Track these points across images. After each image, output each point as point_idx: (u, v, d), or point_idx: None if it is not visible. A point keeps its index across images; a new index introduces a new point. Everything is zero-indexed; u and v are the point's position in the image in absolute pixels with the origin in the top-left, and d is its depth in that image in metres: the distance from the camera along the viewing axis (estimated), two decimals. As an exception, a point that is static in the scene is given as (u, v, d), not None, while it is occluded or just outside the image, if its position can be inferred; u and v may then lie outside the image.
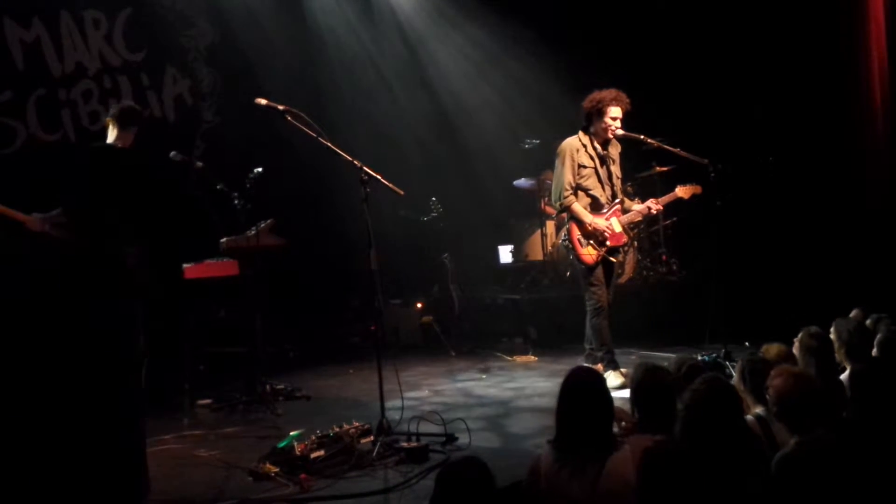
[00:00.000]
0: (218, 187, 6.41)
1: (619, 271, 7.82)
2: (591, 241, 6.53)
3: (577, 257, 6.58)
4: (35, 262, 5.14)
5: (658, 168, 8.96)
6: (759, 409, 3.87)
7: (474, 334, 8.84)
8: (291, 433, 4.94)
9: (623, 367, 6.49)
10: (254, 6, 9.10)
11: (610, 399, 3.44)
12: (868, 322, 5.13)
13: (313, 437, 4.85)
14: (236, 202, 6.46)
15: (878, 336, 4.86)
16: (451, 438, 5.13)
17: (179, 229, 6.27)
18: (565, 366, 6.68)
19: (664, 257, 9.33)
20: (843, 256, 8.37)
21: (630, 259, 9.05)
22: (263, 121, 6.57)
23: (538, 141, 9.65)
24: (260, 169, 6.65)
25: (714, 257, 7.32)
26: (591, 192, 6.60)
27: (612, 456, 3.26)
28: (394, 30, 10.16)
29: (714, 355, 6.33)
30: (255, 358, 6.71)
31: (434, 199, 8.83)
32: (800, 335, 4.50)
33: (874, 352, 4.76)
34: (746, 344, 6.80)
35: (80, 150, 5.02)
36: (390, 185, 5.34)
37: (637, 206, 6.78)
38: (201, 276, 6.63)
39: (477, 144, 10.12)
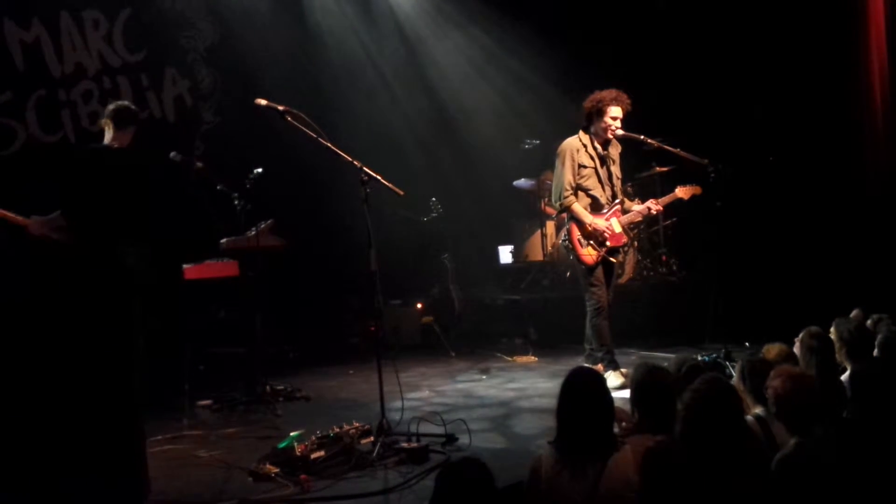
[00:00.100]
0: (218, 187, 6.41)
1: (620, 272, 7.83)
2: (592, 242, 6.53)
3: (578, 257, 6.58)
4: (35, 264, 5.15)
5: (658, 168, 8.96)
6: (759, 410, 3.87)
7: (474, 334, 8.84)
8: (291, 434, 4.94)
9: (623, 368, 6.49)
10: (253, 7, 9.10)
11: (611, 399, 3.44)
12: (869, 322, 5.14)
13: (313, 438, 4.85)
14: (236, 202, 6.46)
15: (879, 336, 4.86)
16: (451, 439, 5.12)
17: (179, 229, 6.29)
18: (565, 366, 6.69)
19: (664, 258, 9.33)
20: (844, 257, 8.37)
21: (630, 259, 9.05)
22: (263, 121, 6.56)
23: (538, 141, 9.66)
24: (260, 169, 6.65)
25: (714, 257, 7.33)
26: (591, 193, 6.60)
27: (614, 456, 3.26)
28: (394, 30, 10.17)
29: (714, 355, 6.34)
30: (254, 358, 6.71)
31: (434, 199, 8.82)
32: (801, 335, 4.50)
33: (875, 352, 4.75)
34: (746, 344, 6.81)
35: (69, 153, 5.01)
36: (390, 186, 5.34)
37: (637, 207, 6.77)
38: (201, 276, 6.63)
39: (477, 145, 10.12)
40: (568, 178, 6.53)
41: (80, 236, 4.73)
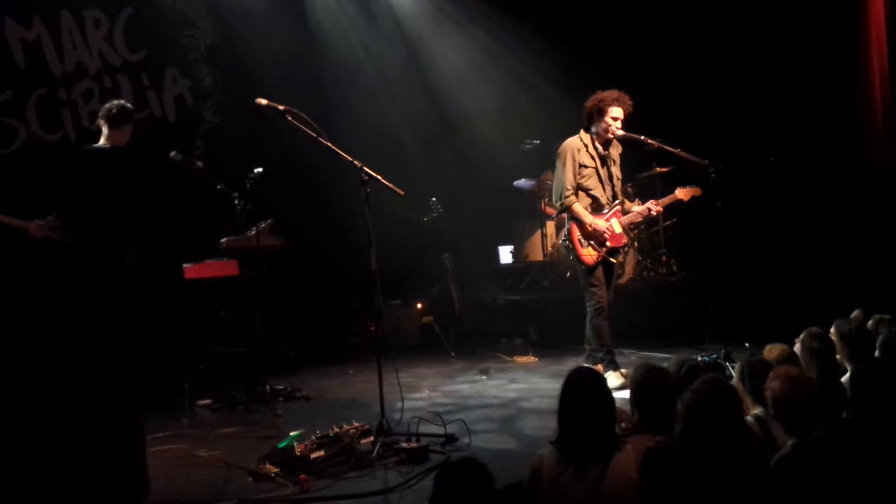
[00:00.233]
0: (218, 187, 6.41)
1: (620, 272, 7.84)
2: (592, 242, 6.53)
3: (578, 258, 6.58)
4: (35, 263, 5.15)
5: (658, 169, 8.96)
6: (758, 410, 3.87)
7: (474, 334, 8.83)
8: (291, 433, 4.93)
9: (623, 368, 6.49)
10: (254, 6, 9.10)
11: (612, 399, 3.44)
12: (870, 323, 5.13)
13: (313, 438, 4.84)
14: (236, 202, 6.46)
15: (881, 338, 4.85)
16: (450, 439, 5.12)
17: (179, 228, 6.30)
18: (565, 366, 6.70)
19: (664, 258, 9.34)
20: (844, 257, 8.37)
21: (630, 260, 9.05)
22: (264, 120, 6.57)
23: (538, 141, 9.65)
24: (260, 169, 6.65)
25: (714, 258, 7.33)
26: (591, 193, 6.59)
27: (616, 456, 3.26)
28: (394, 30, 10.16)
29: (714, 356, 6.34)
30: (255, 358, 6.71)
31: (434, 199, 8.82)
32: (802, 336, 4.50)
33: (876, 353, 4.75)
34: (746, 345, 6.80)
35: (65, 155, 5.01)
36: (390, 186, 5.34)
37: (637, 208, 6.78)
38: (201, 276, 6.62)
39: (477, 145, 10.12)
40: (569, 177, 6.53)
41: (79, 235, 4.73)
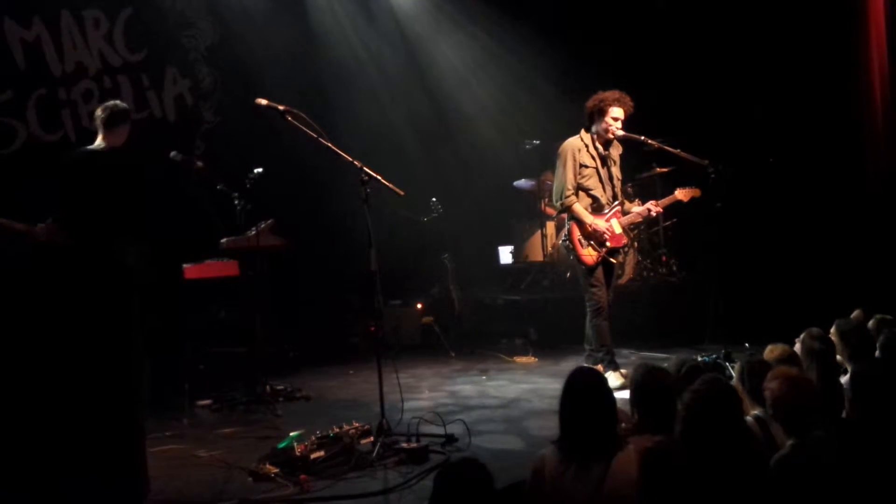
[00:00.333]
0: (218, 187, 6.41)
1: (620, 272, 7.84)
2: (592, 242, 6.53)
3: (578, 258, 6.58)
4: (35, 264, 5.15)
5: (658, 169, 8.95)
6: (758, 410, 3.87)
7: (474, 335, 8.83)
8: (291, 434, 4.94)
9: (623, 368, 6.49)
10: (254, 6, 9.09)
11: (613, 399, 3.44)
12: (870, 323, 5.13)
13: (313, 438, 4.84)
14: (236, 202, 6.46)
15: (881, 338, 4.85)
16: (450, 439, 5.12)
17: (179, 228, 6.30)
18: (565, 366, 6.69)
19: (664, 258, 9.34)
20: (844, 257, 8.37)
21: (630, 260, 9.06)
22: (264, 120, 6.56)
23: (538, 141, 9.65)
24: (260, 169, 6.64)
25: (714, 258, 7.32)
26: (591, 193, 6.59)
27: (618, 455, 3.26)
28: (394, 30, 10.16)
29: (714, 356, 6.34)
30: (255, 358, 6.71)
31: (434, 199, 8.82)
32: (801, 336, 4.50)
33: (876, 353, 4.75)
34: (746, 345, 6.80)
35: (61, 157, 5.02)
36: (390, 186, 5.33)
37: (637, 208, 6.79)
38: (201, 276, 6.62)
39: (477, 145, 10.13)
40: (569, 177, 6.53)
41: (78, 236, 4.73)
